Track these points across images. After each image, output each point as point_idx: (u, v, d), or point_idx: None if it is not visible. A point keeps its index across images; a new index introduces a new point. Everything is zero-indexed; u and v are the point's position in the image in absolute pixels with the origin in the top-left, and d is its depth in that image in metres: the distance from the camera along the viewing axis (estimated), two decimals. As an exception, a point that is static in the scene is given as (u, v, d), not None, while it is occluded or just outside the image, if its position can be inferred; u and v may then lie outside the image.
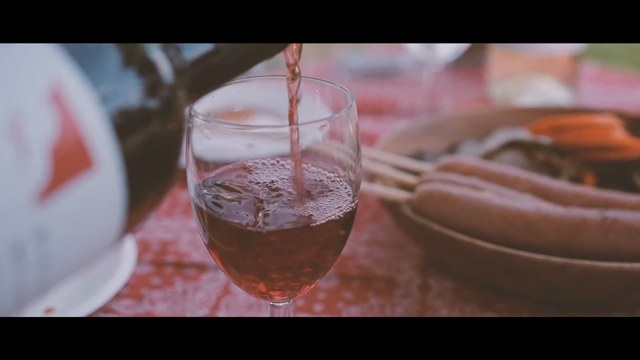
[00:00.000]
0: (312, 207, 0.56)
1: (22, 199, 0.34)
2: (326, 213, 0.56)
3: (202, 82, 0.48)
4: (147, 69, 0.41)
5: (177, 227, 0.97)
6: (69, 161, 0.36)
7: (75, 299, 0.78)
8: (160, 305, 0.81)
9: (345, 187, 0.58)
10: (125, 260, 0.83)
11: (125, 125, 0.39)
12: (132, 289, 0.84)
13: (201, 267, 0.88)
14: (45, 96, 0.35)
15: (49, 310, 0.77)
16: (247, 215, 0.55)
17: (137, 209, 0.41)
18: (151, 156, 0.41)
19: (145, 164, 0.41)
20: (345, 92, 0.58)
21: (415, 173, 0.94)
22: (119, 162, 0.38)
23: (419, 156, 1.02)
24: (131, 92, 0.39)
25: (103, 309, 0.79)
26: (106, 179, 0.38)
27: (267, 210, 0.55)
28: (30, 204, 0.35)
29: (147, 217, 0.43)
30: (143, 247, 0.92)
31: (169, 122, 0.41)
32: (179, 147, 0.43)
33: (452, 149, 1.06)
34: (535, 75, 1.36)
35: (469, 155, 0.99)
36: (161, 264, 0.89)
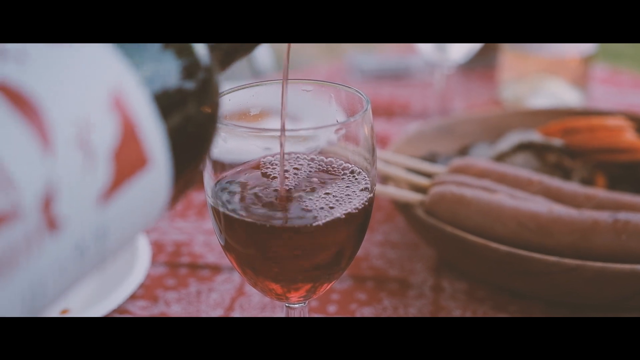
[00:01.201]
0: (328, 207, 0.56)
1: (87, 203, 0.36)
2: (342, 212, 0.56)
3: (230, 56, 0.49)
4: (186, 53, 0.42)
5: (191, 228, 0.98)
6: (128, 162, 0.37)
7: (90, 300, 0.79)
8: (175, 306, 0.82)
9: (361, 188, 0.59)
10: (140, 262, 0.84)
11: (173, 118, 0.40)
12: (147, 290, 0.84)
13: (215, 269, 0.89)
14: (108, 102, 0.36)
15: (64, 312, 0.78)
16: (263, 214, 0.56)
17: (177, 193, 0.43)
18: (193, 142, 0.43)
19: (188, 151, 0.42)
20: (361, 96, 0.58)
21: (428, 175, 0.94)
22: (168, 155, 0.40)
23: (431, 158, 1.02)
24: (178, 84, 0.41)
25: (118, 310, 0.80)
26: (158, 174, 0.40)
27: (283, 209, 0.56)
28: (94, 206, 0.36)
29: (182, 197, 0.45)
30: (157, 249, 0.93)
31: (207, 105, 0.43)
32: (215, 127, 0.45)
33: (464, 151, 1.06)
34: (546, 77, 1.36)
35: (481, 158, 0.99)
36: (175, 265, 0.90)
